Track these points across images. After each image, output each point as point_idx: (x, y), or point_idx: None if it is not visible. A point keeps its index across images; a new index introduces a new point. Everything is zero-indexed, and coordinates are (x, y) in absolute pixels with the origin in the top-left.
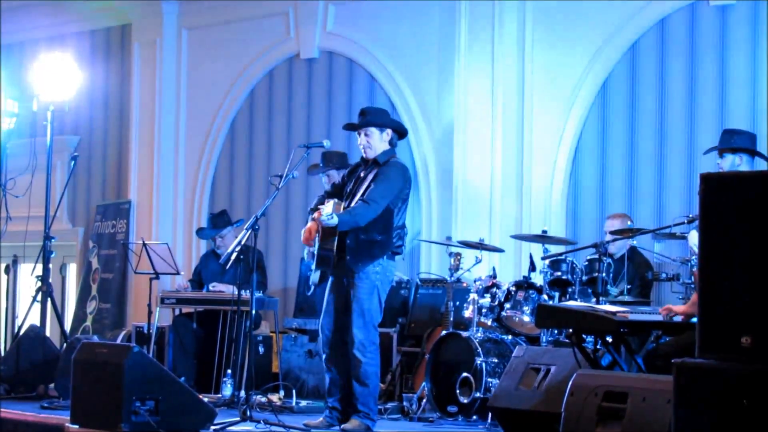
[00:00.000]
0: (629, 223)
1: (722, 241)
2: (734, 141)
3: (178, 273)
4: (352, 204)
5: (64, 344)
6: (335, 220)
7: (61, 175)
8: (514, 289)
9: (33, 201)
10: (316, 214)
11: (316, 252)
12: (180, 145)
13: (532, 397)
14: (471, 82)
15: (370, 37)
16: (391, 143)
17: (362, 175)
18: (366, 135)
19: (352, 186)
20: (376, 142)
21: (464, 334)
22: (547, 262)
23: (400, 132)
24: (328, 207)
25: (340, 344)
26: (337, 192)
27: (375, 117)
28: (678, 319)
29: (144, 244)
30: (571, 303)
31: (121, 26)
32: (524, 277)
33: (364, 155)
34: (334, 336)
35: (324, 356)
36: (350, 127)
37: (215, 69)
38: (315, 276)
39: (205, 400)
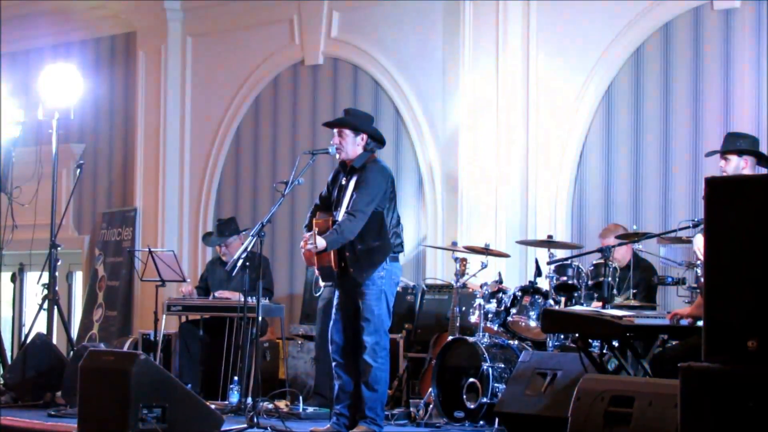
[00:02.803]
0: (634, 228)
1: (728, 244)
2: (740, 144)
3: (184, 280)
4: (340, 216)
5: (71, 352)
6: (322, 244)
7: (66, 183)
8: (520, 294)
9: (39, 209)
10: (302, 244)
11: (316, 270)
12: (185, 152)
13: (538, 402)
14: (475, 87)
15: (374, 43)
16: (366, 149)
17: (344, 182)
18: (340, 135)
19: (336, 194)
20: (349, 144)
21: (470, 339)
22: (552, 267)
23: (378, 140)
24: (310, 237)
25: (351, 352)
26: (325, 202)
27: (353, 119)
28: (684, 322)
29: (150, 252)
30: (577, 308)
31: (125, 34)
32: (530, 282)
33: (337, 155)
34: (346, 344)
35: (334, 364)
36: (327, 125)
37: (220, 76)
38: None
39: (212, 407)
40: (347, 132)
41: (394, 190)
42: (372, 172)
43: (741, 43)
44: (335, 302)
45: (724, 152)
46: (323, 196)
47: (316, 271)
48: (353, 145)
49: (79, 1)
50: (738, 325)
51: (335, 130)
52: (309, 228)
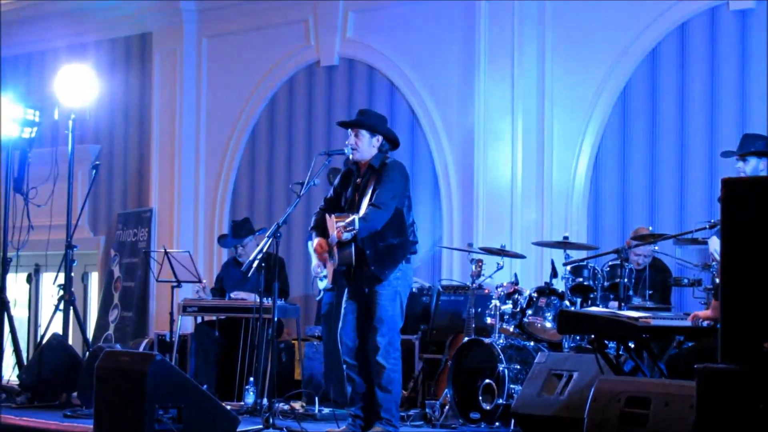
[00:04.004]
0: (650, 229)
1: (744, 246)
2: (758, 145)
3: (200, 281)
4: (361, 212)
5: (87, 353)
6: (357, 226)
7: (82, 183)
8: (535, 295)
9: (55, 210)
10: (336, 233)
11: (335, 267)
12: (201, 153)
13: (554, 404)
14: (491, 88)
15: (390, 44)
16: (381, 150)
17: (359, 182)
18: (356, 136)
19: (351, 195)
20: (365, 145)
21: (486, 340)
22: (568, 268)
23: (393, 141)
24: (349, 224)
25: (362, 352)
26: (331, 205)
27: (369, 120)
28: (704, 323)
29: (166, 253)
30: (593, 309)
31: (141, 35)
32: (546, 283)
33: (351, 156)
34: (356, 345)
35: (345, 366)
36: (343, 125)
37: (235, 77)
38: (324, 282)
39: (228, 407)
40: (364, 132)
41: (410, 188)
42: (392, 169)
43: (757, 43)
44: (344, 305)
45: (744, 154)
46: (329, 199)
47: (326, 272)
48: (369, 146)
49: (95, 2)
50: (754, 327)
51: (351, 131)
52: (318, 230)
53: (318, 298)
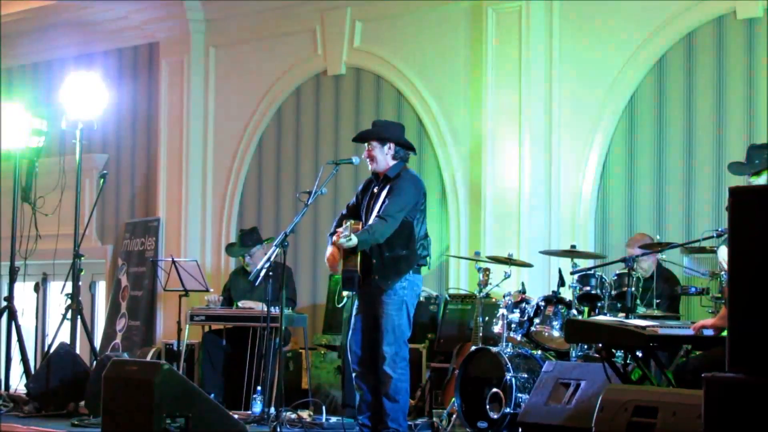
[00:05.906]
0: (657, 238)
1: (752, 254)
2: (767, 156)
3: (207, 290)
4: (370, 221)
5: (94, 362)
6: (354, 241)
7: (90, 193)
8: (543, 304)
9: (62, 219)
10: (335, 238)
11: (342, 274)
12: (208, 162)
13: (562, 413)
14: (499, 98)
15: (397, 53)
16: (397, 157)
17: (375, 191)
18: (368, 148)
19: (367, 203)
20: (378, 155)
21: (494, 349)
22: (575, 277)
23: (406, 146)
24: (345, 229)
25: (370, 362)
26: (353, 212)
27: (377, 129)
28: (709, 332)
29: (173, 262)
30: (601, 318)
31: (148, 44)
32: (553, 292)
33: (369, 167)
34: (364, 354)
35: (354, 375)
36: (356, 140)
37: (242, 86)
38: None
39: (235, 416)
40: (375, 143)
41: (425, 202)
42: (405, 180)
43: (764, 52)
44: (354, 312)
45: (760, 171)
46: (351, 206)
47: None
48: (383, 155)
49: (103, 12)
50: (762, 336)
51: (365, 145)
52: (334, 235)
53: (341, 305)
